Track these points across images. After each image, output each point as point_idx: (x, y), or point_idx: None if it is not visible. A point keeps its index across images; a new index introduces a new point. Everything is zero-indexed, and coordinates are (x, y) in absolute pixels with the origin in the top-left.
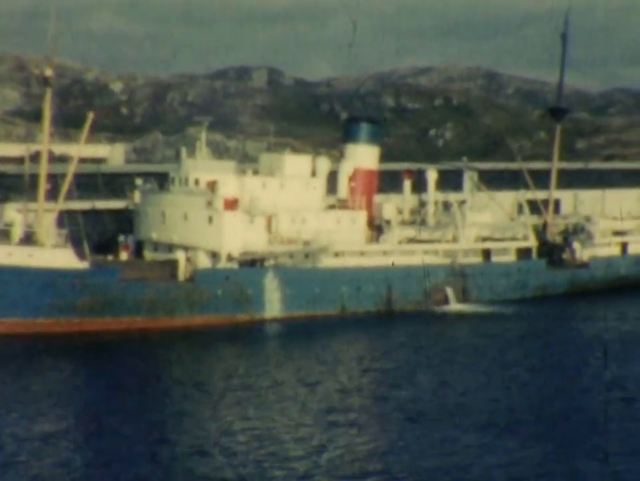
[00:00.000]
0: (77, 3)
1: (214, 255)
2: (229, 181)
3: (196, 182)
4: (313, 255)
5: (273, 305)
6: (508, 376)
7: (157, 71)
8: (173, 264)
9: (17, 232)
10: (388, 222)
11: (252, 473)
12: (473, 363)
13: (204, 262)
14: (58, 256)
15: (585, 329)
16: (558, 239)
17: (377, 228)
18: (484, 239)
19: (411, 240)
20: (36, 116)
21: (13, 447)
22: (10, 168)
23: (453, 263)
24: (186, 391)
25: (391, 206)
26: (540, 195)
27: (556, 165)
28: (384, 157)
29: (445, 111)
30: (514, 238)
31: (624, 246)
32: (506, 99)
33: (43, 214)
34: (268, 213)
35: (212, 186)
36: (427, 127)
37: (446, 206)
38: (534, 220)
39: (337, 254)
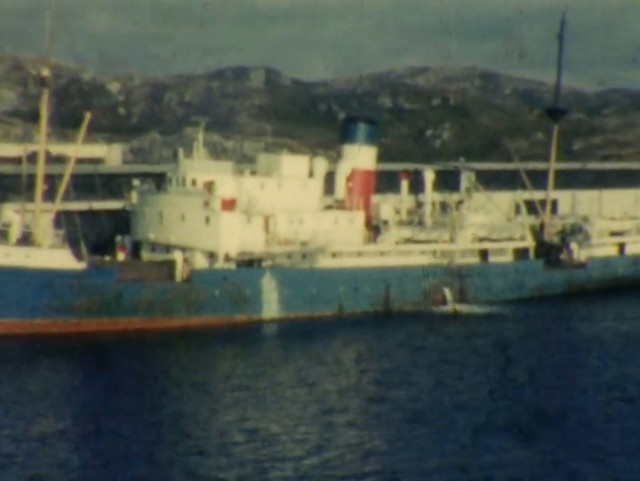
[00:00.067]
0: (74, 3)
1: (212, 255)
2: (226, 181)
3: (194, 182)
4: (311, 255)
5: (271, 306)
6: (505, 376)
7: (154, 71)
8: (170, 264)
9: (15, 233)
10: (385, 222)
11: (251, 473)
12: (471, 363)
13: (201, 262)
14: (55, 256)
15: (583, 329)
16: (556, 239)
17: (374, 228)
18: (482, 239)
19: (409, 241)
20: (33, 116)
21: (10, 447)
22: (7, 169)
23: (450, 263)
24: (183, 391)
25: (388, 206)
26: (537, 195)
27: (553, 165)
28: (381, 158)
29: (443, 111)
30: (511, 239)
31: (621, 247)
32: (503, 100)
33: (41, 215)
34: (266, 213)
35: (210, 186)
36: (424, 127)
37: (443, 206)
38: (532, 220)
39: (334, 255)
